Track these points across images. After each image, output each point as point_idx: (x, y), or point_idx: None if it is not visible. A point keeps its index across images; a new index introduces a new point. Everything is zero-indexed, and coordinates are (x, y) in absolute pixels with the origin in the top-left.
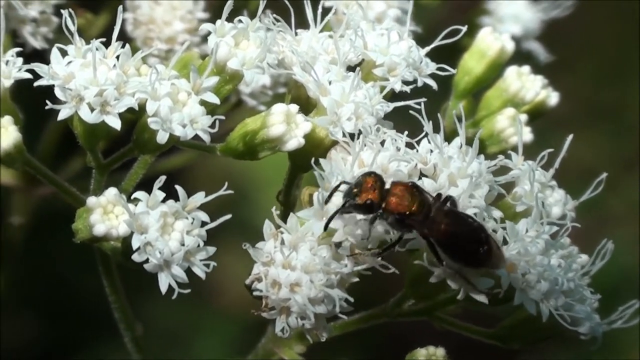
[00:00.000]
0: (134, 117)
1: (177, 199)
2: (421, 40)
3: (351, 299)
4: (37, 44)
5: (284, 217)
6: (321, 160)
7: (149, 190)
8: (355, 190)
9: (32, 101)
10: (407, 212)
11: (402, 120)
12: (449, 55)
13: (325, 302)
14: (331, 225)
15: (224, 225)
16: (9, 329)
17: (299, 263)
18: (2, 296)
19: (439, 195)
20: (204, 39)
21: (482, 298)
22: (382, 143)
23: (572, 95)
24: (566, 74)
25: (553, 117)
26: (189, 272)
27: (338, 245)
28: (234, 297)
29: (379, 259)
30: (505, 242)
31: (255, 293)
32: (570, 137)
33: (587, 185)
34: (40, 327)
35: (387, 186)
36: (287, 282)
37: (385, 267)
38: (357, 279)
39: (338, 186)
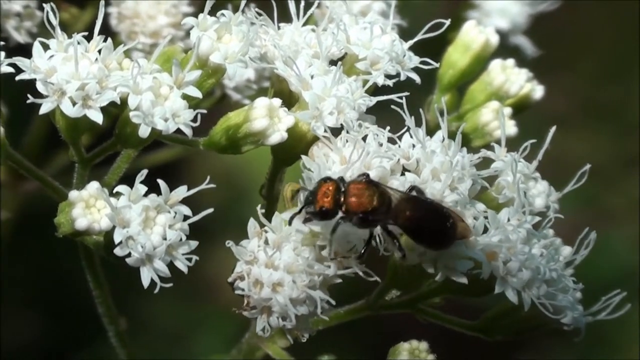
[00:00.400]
0: (119, 112)
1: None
2: (408, 34)
3: (333, 302)
4: (20, 38)
5: (267, 211)
6: (303, 158)
7: (133, 185)
8: (311, 197)
9: (19, 95)
10: (370, 209)
11: (387, 114)
12: (438, 49)
13: (307, 303)
14: (311, 226)
15: (222, 223)
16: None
17: (282, 263)
18: None
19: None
20: (188, 33)
21: (461, 279)
22: (364, 138)
23: (572, 94)
24: (566, 73)
25: (553, 115)
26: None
27: (322, 247)
28: (232, 295)
29: (363, 265)
30: (486, 230)
31: (237, 292)
32: (554, 128)
33: (586, 184)
34: (29, 320)
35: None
36: (270, 282)
37: (368, 275)
38: (339, 280)
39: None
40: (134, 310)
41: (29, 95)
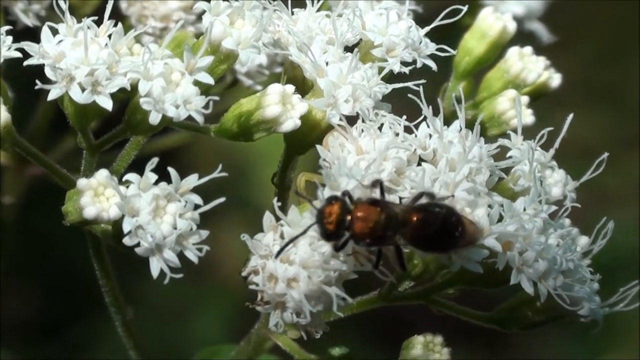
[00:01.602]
0: (126, 97)
1: (170, 180)
2: (422, 20)
3: (349, 299)
4: (28, 21)
5: (280, 201)
6: (318, 147)
7: (141, 172)
8: (318, 216)
9: (24, 79)
10: (375, 236)
11: (398, 101)
12: (450, 35)
13: (322, 299)
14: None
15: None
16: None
17: (298, 258)
18: None
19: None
20: (200, 17)
21: (476, 267)
22: (380, 127)
23: (571, 75)
24: (565, 53)
25: (551, 96)
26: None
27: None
28: (229, 273)
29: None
30: (501, 219)
31: (251, 286)
32: (571, 116)
33: (586, 164)
34: (33, 304)
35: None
36: (285, 277)
37: (384, 274)
38: (355, 276)
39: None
40: (129, 288)
41: (37, 81)
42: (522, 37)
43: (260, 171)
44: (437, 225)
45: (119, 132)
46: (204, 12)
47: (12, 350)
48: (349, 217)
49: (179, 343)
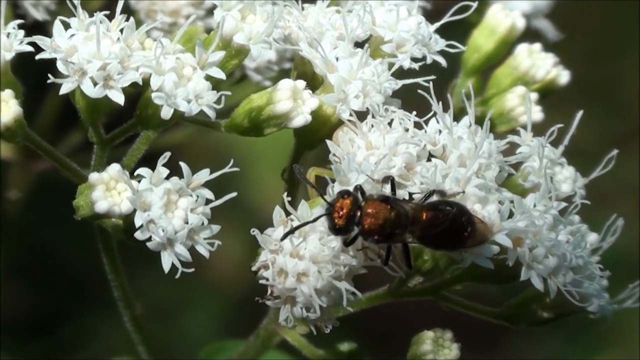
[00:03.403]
0: (136, 91)
1: (177, 174)
2: (429, 16)
3: (359, 294)
4: (38, 15)
5: (289, 196)
6: (328, 142)
7: (148, 166)
8: (328, 210)
9: (30, 73)
10: (385, 233)
11: (406, 96)
12: (456, 32)
13: (332, 293)
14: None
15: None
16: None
17: (308, 253)
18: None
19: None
20: (209, 12)
21: (487, 263)
22: (390, 123)
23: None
24: (557, 51)
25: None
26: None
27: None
28: (222, 270)
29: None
30: (511, 215)
31: (261, 281)
32: (580, 113)
33: (578, 163)
34: (35, 300)
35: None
36: (294, 272)
37: (393, 270)
38: (365, 271)
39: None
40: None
41: (49, 75)
42: (528, 34)
43: (249, 168)
44: (447, 224)
45: (130, 126)
46: (213, 7)
47: (2, 347)
48: (359, 213)
49: (169, 341)
